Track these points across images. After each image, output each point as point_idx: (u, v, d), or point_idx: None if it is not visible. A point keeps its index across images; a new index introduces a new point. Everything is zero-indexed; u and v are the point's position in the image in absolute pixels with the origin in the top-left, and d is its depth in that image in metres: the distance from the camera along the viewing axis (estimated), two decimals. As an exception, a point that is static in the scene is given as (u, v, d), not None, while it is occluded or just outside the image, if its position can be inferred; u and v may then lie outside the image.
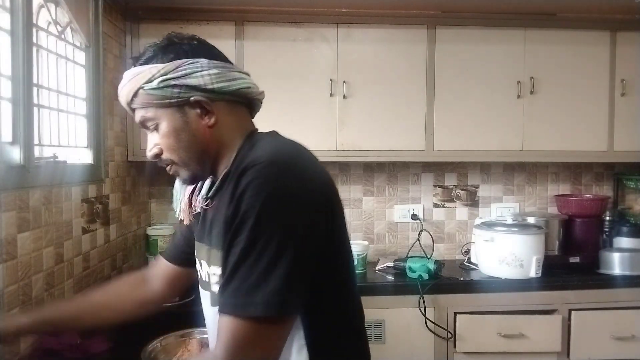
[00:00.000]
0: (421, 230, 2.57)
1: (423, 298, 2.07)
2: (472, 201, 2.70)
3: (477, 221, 2.55)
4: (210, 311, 0.95)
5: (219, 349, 0.75)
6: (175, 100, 0.85)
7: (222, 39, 2.19)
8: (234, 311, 0.74)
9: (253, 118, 0.99)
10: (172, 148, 0.89)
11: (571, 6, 2.29)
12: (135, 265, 2.28)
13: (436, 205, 2.68)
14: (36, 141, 1.43)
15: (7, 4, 1.29)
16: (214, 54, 0.90)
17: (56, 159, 1.55)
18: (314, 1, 2.17)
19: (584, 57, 2.36)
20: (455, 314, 2.10)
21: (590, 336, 2.12)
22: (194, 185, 0.97)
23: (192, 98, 0.85)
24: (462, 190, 2.70)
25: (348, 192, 2.60)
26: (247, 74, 0.93)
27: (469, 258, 2.45)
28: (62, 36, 1.64)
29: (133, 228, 2.27)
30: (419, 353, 2.08)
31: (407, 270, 2.18)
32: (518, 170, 2.72)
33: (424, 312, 2.07)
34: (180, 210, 1.02)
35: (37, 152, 1.44)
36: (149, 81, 0.85)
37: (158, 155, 0.91)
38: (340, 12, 2.24)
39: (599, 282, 2.20)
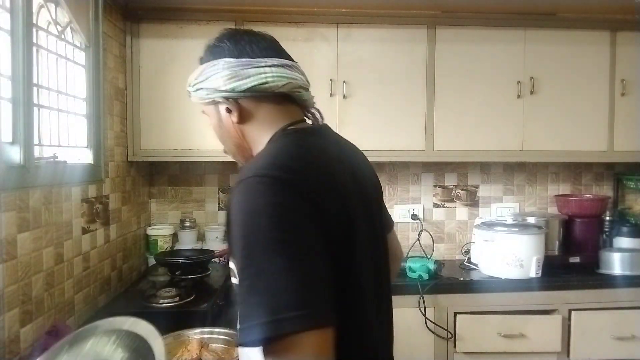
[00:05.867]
0: (421, 230, 2.57)
1: (423, 298, 2.07)
2: (472, 201, 2.70)
3: (477, 221, 2.55)
4: None
5: None
6: (205, 101, 0.94)
7: (222, 39, 2.19)
8: (261, 341, 0.66)
9: (308, 110, 0.98)
10: (220, 140, 0.99)
11: (571, 6, 2.29)
12: (135, 265, 2.28)
13: (436, 205, 2.69)
14: (36, 141, 1.43)
15: (7, 4, 1.29)
16: (238, 51, 0.91)
17: (56, 159, 1.55)
18: (314, 1, 2.17)
19: (584, 57, 2.36)
20: (455, 314, 2.10)
21: (590, 336, 2.13)
22: None
23: (215, 98, 0.92)
24: (462, 190, 2.70)
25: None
26: (274, 66, 0.90)
27: (469, 258, 2.45)
28: (62, 36, 1.64)
29: (133, 228, 2.27)
30: (419, 353, 2.08)
31: (407, 270, 2.18)
32: (518, 170, 2.73)
33: (424, 312, 2.07)
34: None
35: (37, 152, 1.44)
36: (189, 85, 0.96)
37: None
38: (340, 12, 2.24)
39: (599, 282, 2.21)
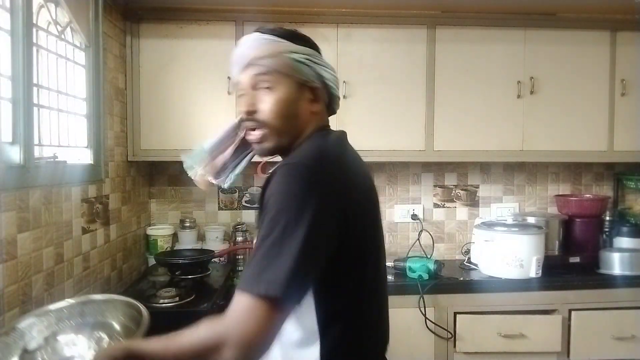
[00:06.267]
0: (421, 230, 2.57)
1: (423, 298, 2.07)
2: (472, 201, 2.70)
3: (477, 221, 2.55)
4: None
5: (226, 319, 0.80)
6: (304, 78, 0.98)
7: (222, 39, 2.20)
8: (242, 287, 0.80)
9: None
10: (276, 113, 0.97)
11: (571, 6, 2.29)
12: (135, 265, 2.28)
13: (436, 205, 2.69)
14: (36, 141, 1.43)
15: (7, 4, 1.30)
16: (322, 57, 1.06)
17: (56, 159, 1.55)
18: (314, 1, 2.17)
19: (584, 57, 2.36)
20: (455, 314, 2.10)
21: (590, 336, 2.12)
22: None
23: (314, 84, 0.99)
24: (462, 190, 2.70)
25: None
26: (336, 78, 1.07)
27: (469, 258, 2.45)
28: (62, 36, 1.64)
29: (133, 228, 2.27)
30: (419, 353, 2.08)
31: (407, 270, 2.18)
32: (518, 170, 2.73)
33: (424, 312, 2.07)
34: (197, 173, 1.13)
35: (37, 152, 1.44)
36: (295, 52, 0.98)
37: (251, 113, 0.98)
38: (340, 12, 2.24)
39: (599, 282, 2.20)
